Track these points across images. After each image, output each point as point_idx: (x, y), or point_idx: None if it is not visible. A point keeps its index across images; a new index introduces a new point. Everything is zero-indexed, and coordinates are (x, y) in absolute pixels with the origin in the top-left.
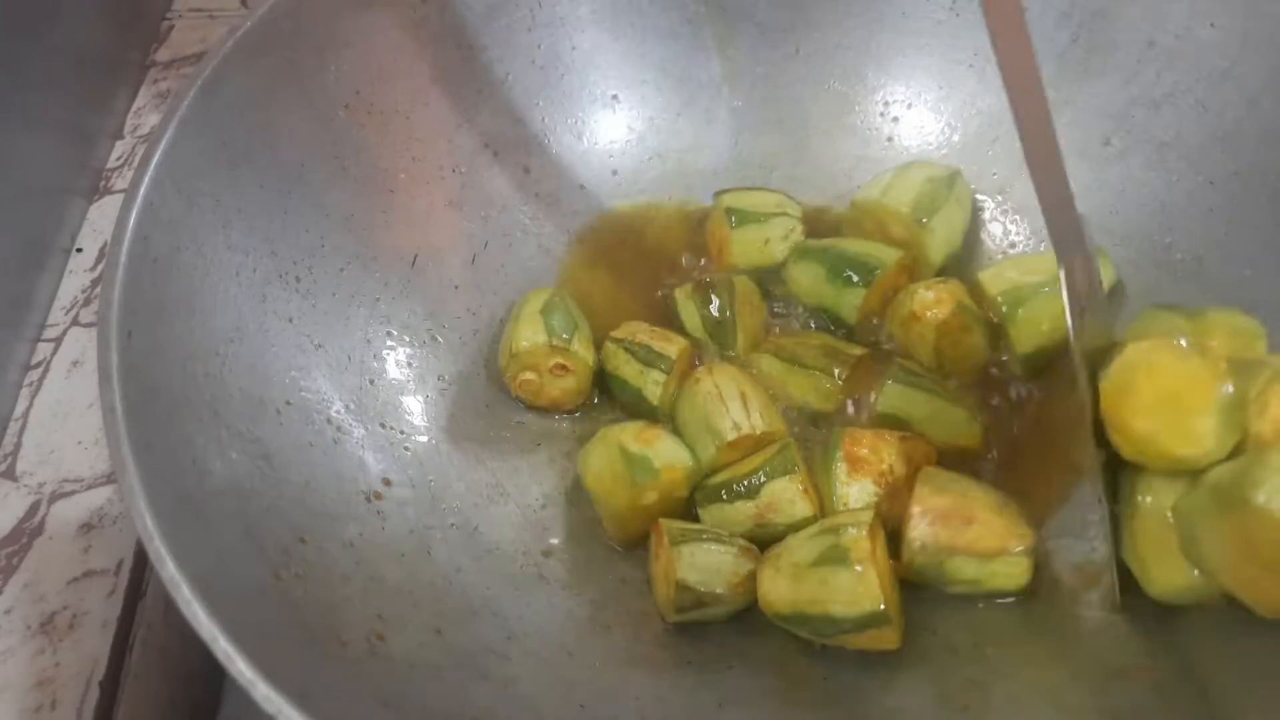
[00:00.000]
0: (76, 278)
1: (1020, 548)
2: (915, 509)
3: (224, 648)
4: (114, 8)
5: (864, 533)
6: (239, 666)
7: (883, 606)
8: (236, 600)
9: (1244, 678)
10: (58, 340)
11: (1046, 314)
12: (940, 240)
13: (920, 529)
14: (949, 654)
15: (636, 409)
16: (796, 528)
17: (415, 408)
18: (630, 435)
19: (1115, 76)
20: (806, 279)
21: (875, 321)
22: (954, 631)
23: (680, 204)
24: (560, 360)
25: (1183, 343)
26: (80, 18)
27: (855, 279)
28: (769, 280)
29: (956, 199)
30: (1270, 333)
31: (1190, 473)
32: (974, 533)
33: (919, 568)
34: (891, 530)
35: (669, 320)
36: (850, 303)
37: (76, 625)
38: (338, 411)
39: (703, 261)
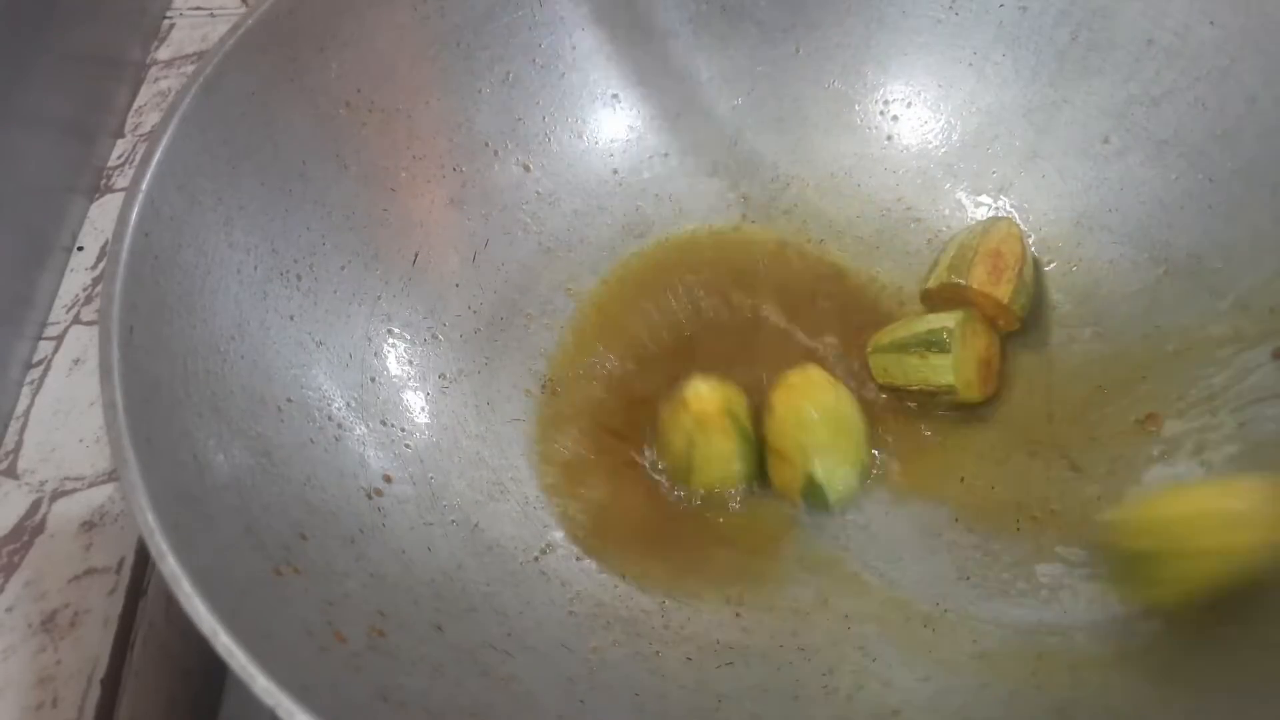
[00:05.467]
0: (78, 276)
1: None
2: None
3: (224, 642)
4: (114, 6)
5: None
6: (239, 661)
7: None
8: (237, 595)
9: None
10: (59, 338)
11: None
12: None
13: None
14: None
15: None
16: None
17: (416, 405)
18: None
19: (1114, 74)
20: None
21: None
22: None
23: None
24: None
25: None
26: (80, 16)
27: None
28: None
29: None
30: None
31: None
32: None
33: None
34: None
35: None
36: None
37: (78, 623)
38: (339, 409)
39: None
